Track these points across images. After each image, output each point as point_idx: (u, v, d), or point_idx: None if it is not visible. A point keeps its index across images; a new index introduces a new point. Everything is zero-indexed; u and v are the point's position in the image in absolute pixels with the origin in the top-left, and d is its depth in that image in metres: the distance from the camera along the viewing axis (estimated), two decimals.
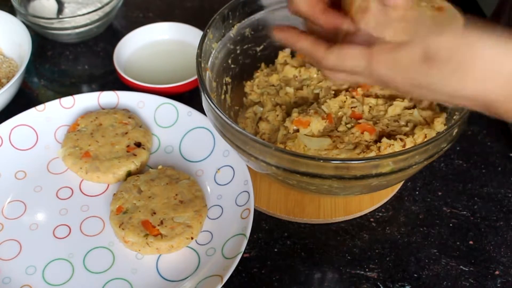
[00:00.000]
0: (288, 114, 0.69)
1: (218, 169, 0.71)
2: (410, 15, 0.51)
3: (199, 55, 0.64)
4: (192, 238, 0.65)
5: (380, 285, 0.64)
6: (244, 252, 0.65)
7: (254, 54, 0.75)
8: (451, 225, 0.69)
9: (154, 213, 0.66)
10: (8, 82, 0.78)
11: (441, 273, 0.65)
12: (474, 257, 0.66)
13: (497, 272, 0.65)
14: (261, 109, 0.72)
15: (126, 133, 0.74)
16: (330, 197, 0.70)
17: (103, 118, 0.76)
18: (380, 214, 0.70)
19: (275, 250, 0.67)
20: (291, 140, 0.65)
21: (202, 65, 0.64)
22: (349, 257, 0.66)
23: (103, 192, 0.72)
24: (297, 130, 0.66)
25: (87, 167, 0.71)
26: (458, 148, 0.76)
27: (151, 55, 0.88)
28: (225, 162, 0.71)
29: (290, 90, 0.72)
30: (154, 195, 0.68)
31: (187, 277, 0.63)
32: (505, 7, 0.82)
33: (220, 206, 0.69)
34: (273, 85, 0.74)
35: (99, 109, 0.78)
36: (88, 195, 0.71)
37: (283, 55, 0.75)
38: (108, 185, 0.72)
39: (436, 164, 0.75)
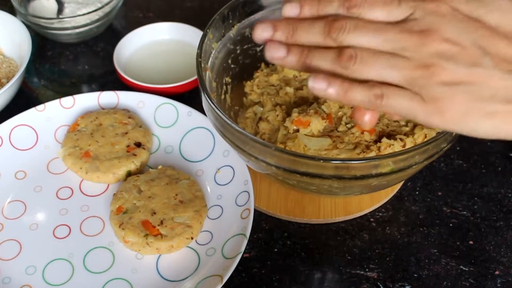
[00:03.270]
0: (288, 114, 0.69)
1: (218, 169, 0.71)
2: None
3: (199, 55, 0.64)
4: (192, 238, 0.65)
5: (380, 285, 0.64)
6: (244, 252, 0.65)
7: (254, 54, 0.75)
8: (451, 225, 0.69)
9: (154, 213, 0.66)
10: (8, 82, 0.78)
11: (441, 273, 0.65)
12: (474, 257, 0.66)
13: (497, 272, 0.65)
14: (261, 109, 0.72)
15: (126, 133, 0.74)
16: (330, 197, 0.70)
17: (103, 118, 0.76)
18: (380, 214, 0.70)
19: (275, 250, 0.67)
20: (291, 140, 0.65)
21: (202, 65, 0.64)
22: (349, 257, 0.66)
23: (103, 192, 0.72)
24: (297, 130, 0.66)
25: (87, 167, 0.71)
26: (458, 148, 0.76)
27: (151, 55, 0.88)
28: (225, 162, 0.71)
29: (290, 90, 0.72)
30: (154, 195, 0.68)
31: (187, 277, 0.63)
32: None
33: (220, 206, 0.69)
34: (273, 85, 0.74)
35: (99, 109, 0.78)
36: (88, 195, 0.71)
37: None
38: (108, 185, 0.72)
39: (436, 164, 0.75)
